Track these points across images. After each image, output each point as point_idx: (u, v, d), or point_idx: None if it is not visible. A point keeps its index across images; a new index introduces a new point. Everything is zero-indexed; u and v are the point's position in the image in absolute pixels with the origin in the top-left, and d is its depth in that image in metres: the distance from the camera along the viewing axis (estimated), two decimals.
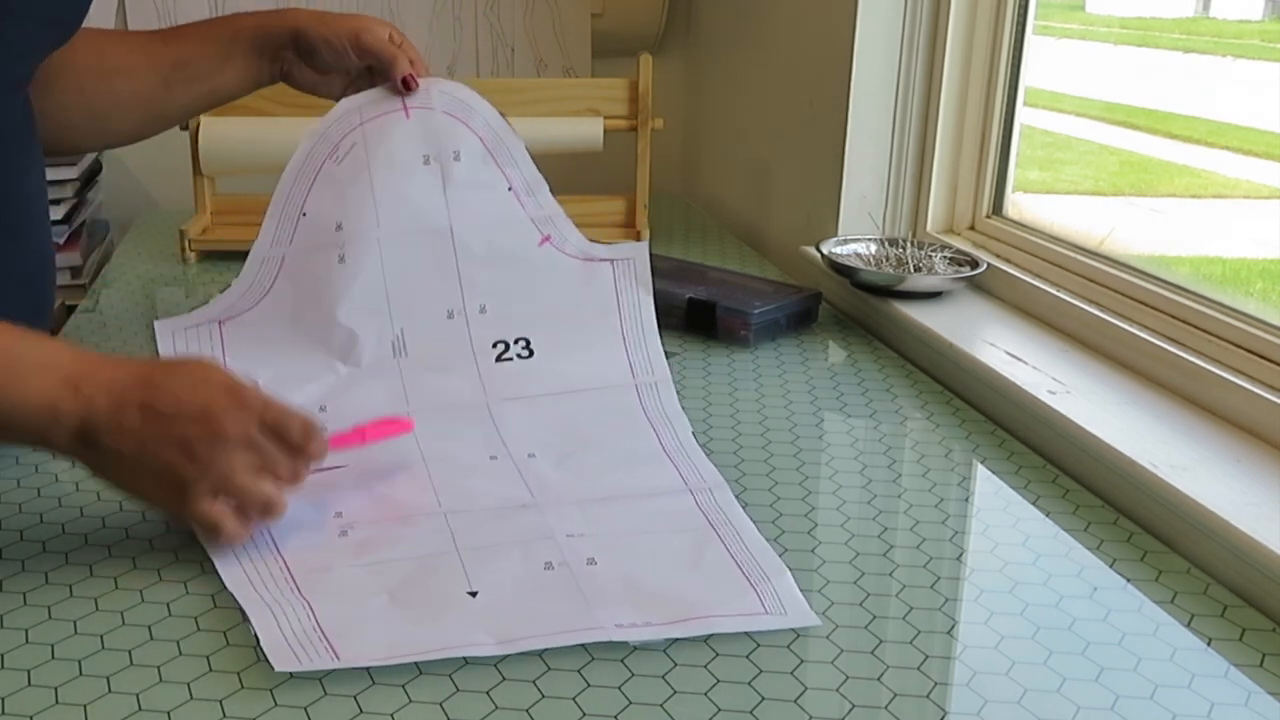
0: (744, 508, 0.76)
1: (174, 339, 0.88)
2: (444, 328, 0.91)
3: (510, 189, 0.96)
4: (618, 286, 0.96)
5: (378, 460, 0.79)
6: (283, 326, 0.89)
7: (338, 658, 0.59)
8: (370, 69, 0.96)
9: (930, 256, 1.13)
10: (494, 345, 0.92)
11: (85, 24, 0.86)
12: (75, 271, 1.48)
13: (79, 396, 0.65)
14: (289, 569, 0.68)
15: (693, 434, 0.86)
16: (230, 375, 0.70)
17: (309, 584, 0.66)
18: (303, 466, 0.70)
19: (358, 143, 0.93)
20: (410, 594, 0.65)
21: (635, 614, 0.63)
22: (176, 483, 0.66)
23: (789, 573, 0.68)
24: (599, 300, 0.95)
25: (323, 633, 0.61)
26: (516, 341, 0.92)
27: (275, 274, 0.91)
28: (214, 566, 0.68)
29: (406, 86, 0.95)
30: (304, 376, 0.87)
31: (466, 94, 0.97)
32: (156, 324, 0.90)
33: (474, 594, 0.65)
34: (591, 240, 0.97)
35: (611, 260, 0.96)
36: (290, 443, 0.69)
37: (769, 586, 0.67)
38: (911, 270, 1.12)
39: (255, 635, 0.61)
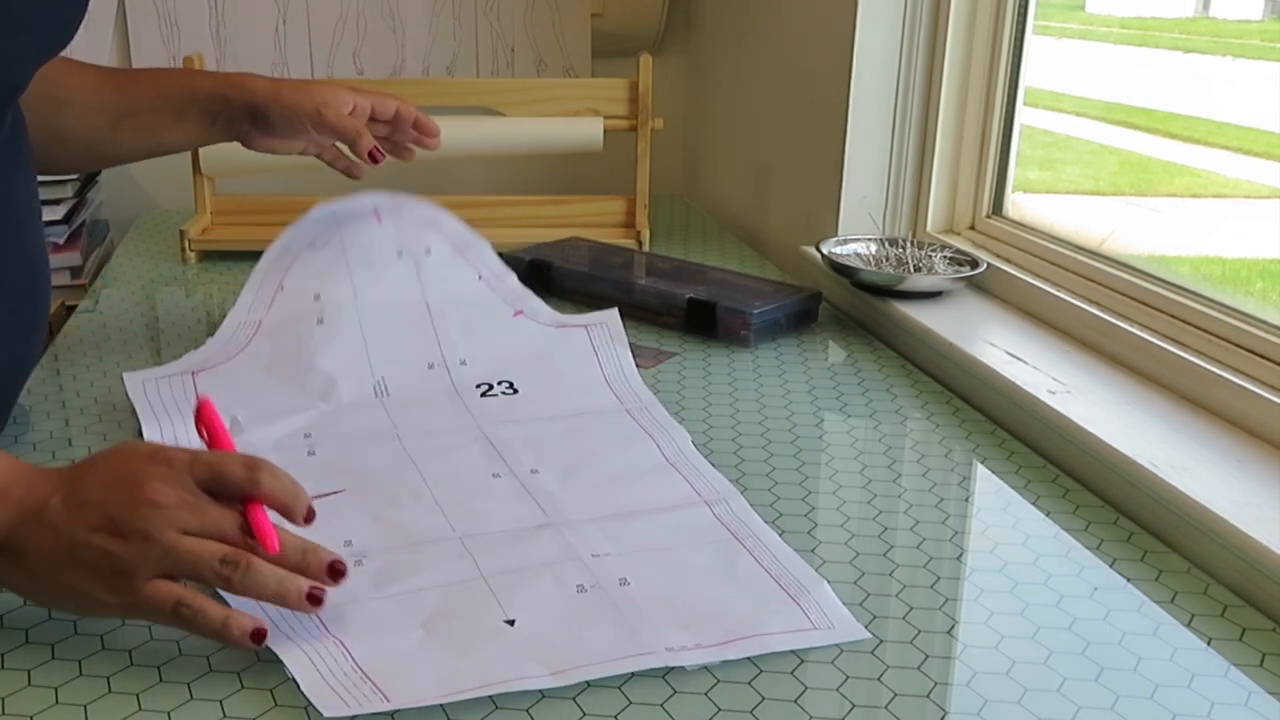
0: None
1: (144, 387, 0.88)
2: (425, 375, 0.93)
3: (481, 277, 1.01)
4: (595, 345, 0.99)
5: (377, 483, 0.78)
6: (259, 375, 0.89)
7: (388, 699, 0.56)
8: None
9: (930, 256, 1.13)
10: (477, 386, 0.93)
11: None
12: (75, 271, 1.48)
13: (5, 504, 0.58)
14: None
15: (692, 442, 0.86)
16: (151, 444, 0.62)
17: (335, 619, 0.63)
18: (246, 519, 0.60)
19: (334, 240, 0.97)
20: (445, 626, 0.63)
21: (684, 636, 0.62)
22: (114, 570, 0.57)
23: (826, 583, 0.68)
24: (577, 354, 0.98)
25: (364, 674, 0.58)
26: (500, 383, 0.94)
27: (252, 335, 0.92)
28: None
29: (373, 159, 0.97)
30: (286, 410, 0.87)
31: (435, 212, 1.02)
32: (125, 375, 0.90)
33: (511, 622, 0.63)
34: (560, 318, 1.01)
35: (585, 326, 1.00)
36: (234, 483, 0.60)
37: (811, 599, 0.66)
38: (911, 270, 1.12)
39: (294, 679, 0.58)
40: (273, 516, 0.61)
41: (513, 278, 1.02)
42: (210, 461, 0.61)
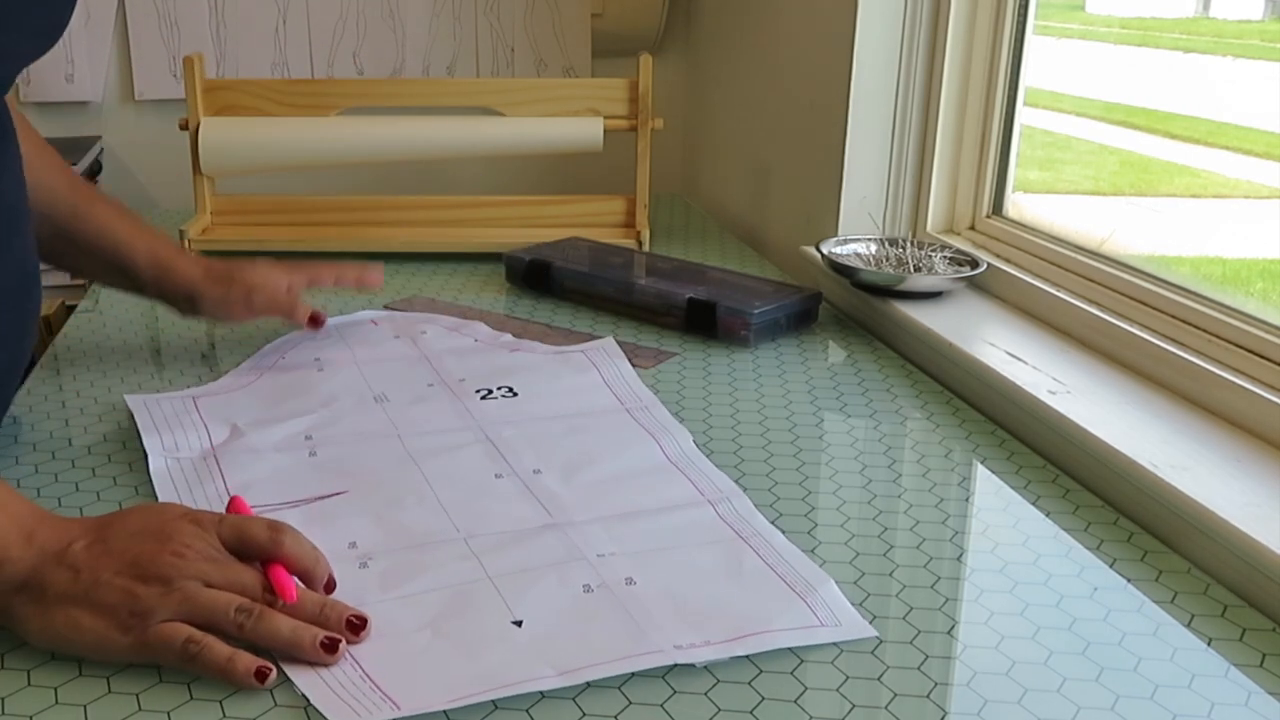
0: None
1: (146, 406, 0.90)
2: (425, 390, 0.96)
3: (477, 340, 1.07)
4: (592, 360, 1.02)
5: (380, 484, 0.78)
6: (260, 400, 0.93)
7: (398, 707, 0.56)
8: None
9: (930, 256, 1.13)
10: (476, 391, 0.95)
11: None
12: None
13: (31, 546, 0.60)
14: None
15: (694, 441, 0.86)
16: (182, 506, 0.65)
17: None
18: (267, 580, 0.62)
19: (333, 332, 1.08)
20: (452, 628, 0.62)
21: (692, 633, 0.62)
22: (131, 611, 0.58)
23: (832, 581, 0.68)
24: (575, 365, 1.01)
25: (374, 683, 0.58)
26: (499, 388, 0.95)
27: (252, 381, 0.97)
28: None
29: (315, 324, 1.03)
30: (287, 415, 0.89)
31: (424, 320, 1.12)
32: (127, 397, 0.92)
33: (519, 623, 0.63)
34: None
35: (583, 350, 1.04)
36: (257, 543, 0.62)
37: (818, 597, 0.66)
38: (911, 270, 1.12)
39: (303, 695, 0.57)
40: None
41: (507, 335, 1.08)
42: (236, 523, 0.63)
